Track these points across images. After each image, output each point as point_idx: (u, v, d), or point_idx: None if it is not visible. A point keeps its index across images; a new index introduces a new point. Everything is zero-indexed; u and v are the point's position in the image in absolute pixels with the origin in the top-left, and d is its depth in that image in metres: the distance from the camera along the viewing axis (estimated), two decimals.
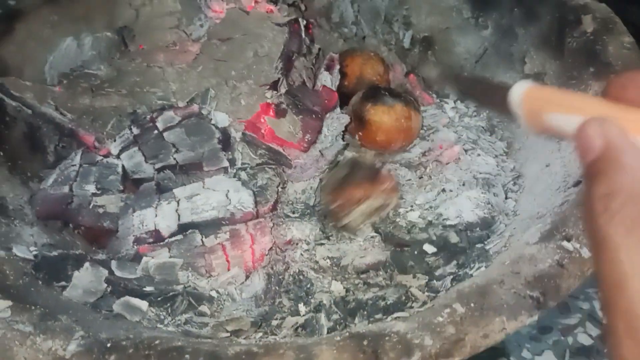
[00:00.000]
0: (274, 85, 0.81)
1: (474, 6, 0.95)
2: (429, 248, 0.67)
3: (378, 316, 0.58)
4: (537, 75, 0.83)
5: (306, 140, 0.80)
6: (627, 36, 0.75)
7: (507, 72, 0.88)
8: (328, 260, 0.69)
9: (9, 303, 0.56)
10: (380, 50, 1.01)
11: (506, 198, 0.73)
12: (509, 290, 0.51)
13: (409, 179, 0.79)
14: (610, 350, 0.24)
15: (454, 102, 0.94)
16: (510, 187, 0.75)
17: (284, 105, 0.80)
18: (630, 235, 0.23)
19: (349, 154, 0.82)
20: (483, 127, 0.87)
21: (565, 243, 0.55)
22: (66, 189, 0.76)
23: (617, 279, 0.23)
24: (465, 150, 0.81)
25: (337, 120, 0.82)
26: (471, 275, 0.60)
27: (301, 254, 0.71)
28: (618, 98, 0.28)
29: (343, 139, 0.83)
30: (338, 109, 0.84)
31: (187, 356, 0.49)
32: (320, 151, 0.81)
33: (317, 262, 0.69)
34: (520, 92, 0.31)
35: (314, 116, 0.82)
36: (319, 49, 0.95)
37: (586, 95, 0.27)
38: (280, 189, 0.78)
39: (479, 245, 0.65)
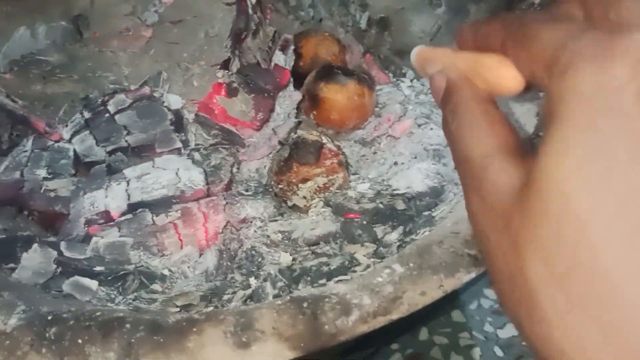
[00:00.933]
0: (225, 65, 0.81)
1: None
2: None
3: (322, 281, 0.58)
4: None
5: (259, 118, 0.80)
6: None
7: None
8: (279, 235, 0.69)
9: None
10: (337, 32, 1.01)
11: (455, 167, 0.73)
12: (448, 250, 0.52)
13: (363, 155, 0.79)
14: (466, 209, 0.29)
15: (411, 80, 0.95)
16: None
17: (235, 85, 0.80)
18: (463, 119, 0.30)
19: (301, 132, 0.82)
20: None
21: None
22: (17, 174, 0.75)
23: (463, 156, 0.29)
24: (419, 125, 0.81)
25: (289, 98, 0.82)
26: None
27: (254, 231, 0.72)
28: (458, 44, 0.34)
29: (296, 116, 0.83)
30: (291, 87, 0.83)
31: (127, 325, 0.49)
32: (273, 129, 0.81)
33: (268, 236, 0.69)
34: (415, 52, 0.38)
35: (265, 95, 0.82)
36: (275, 32, 0.95)
37: (443, 48, 0.34)
38: (234, 169, 0.78)
39: (426, 213, 0.65)
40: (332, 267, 0.59)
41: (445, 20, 0.93)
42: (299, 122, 0.83)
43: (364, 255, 0.61)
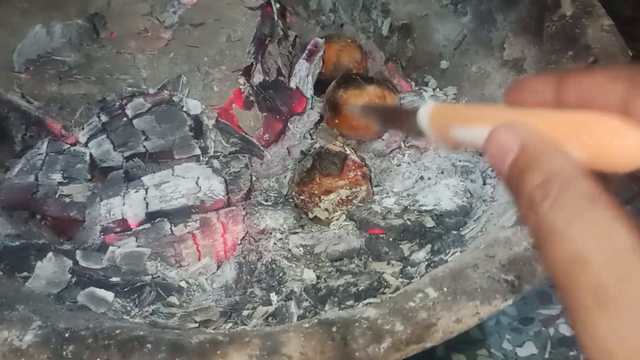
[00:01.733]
0: (247, 71, 0.79)
1: None
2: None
3: (349, 303, 0.56)
4: (516, 61, 0.81)
5: (264, 138, 0.78)
6: (606, 19, 0.73)
7: (486, 59, 0.87)
8: (301, 249, 0.67)
9: None
10: (359, 38, 0.99)
11: (484, 184, 0.71)
12: (483, 274, 0.49)
13: (386, 168, 0.77)
14: (580, 329, 0.22)
15: (433, 89, 0.93)
16: (489, 173, 0.73)
17: (252, 98, 0.78)
18: (578, 214, 0.22)
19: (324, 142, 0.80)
20: None
21: None
22: (32, 178, 0.73)
23: (574, 256, 0.22)
24: None
25: (306, 118, 0.80)
26: (446, 261, 0.58)
27: (274, 243, 0.70)
28: (516, 104, 0.28)
29: (312, 137, 0.81)
30: (309, 107, 0.82)
31: (148, 345, 0.47)
32: (287, 149, 0.79)
33: (290, 250, 0.67)
34: (427, 112, 0.30)
35: (277, 116, 0.80)
36: (296, 36, 0.93)
37: (488, 105, 0.27)
38: (253, 177, 0.76)
39: (454, 232, 0.63)
40: (360, 288, 0.57)
41: (470, 29, 0.91)
42: (314, 143, 0.81)
43: (392, 275, 0.58)
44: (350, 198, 0.70)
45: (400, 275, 0.59)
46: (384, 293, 0.56)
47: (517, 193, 0.25)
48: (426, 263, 0.60)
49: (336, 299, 0.56)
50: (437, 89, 0.93)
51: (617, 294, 0.21)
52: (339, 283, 0.58)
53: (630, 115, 0.22)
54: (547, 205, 0.23)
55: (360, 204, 0.70)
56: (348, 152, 0.72)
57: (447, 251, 0.60)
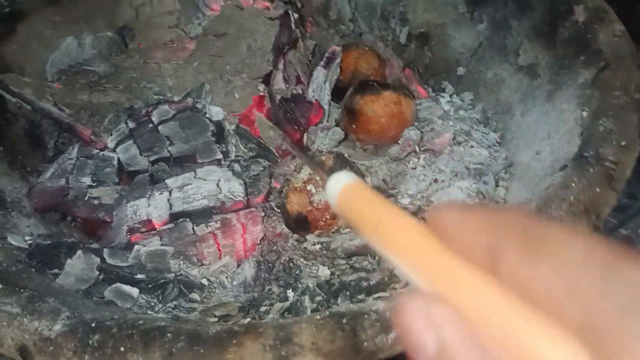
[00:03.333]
0: (267, 78, 0.82)
1: (469, 1, 0.95)
2: None
3: (360, 297, 0.58)
4: (530, 67, 0.83)
5: (282, 149, 0.81)
6: (618, 24, 0.74)
7: (501, 65, 0.89)
8: (318, 245, 0.69)
9: None
10: (377, 46, 1.02)
11: (497, 186, 0.73)
12: None
13: (402, 172, 0.79)
14: None
15: (450, 95, 0.94)
16: (502, 176, 0.75)
17: (272, 110, 0.81)
18: None
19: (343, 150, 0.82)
20: (477, 119, 0.87)
21: None
22: (63, 181, 0.77)
23: None
24: (459, 142, 0.80)
25: (330, 135, 0.82)
26: None
27: (292, 243, 0.72)
28: (434, 226, 0.23)
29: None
30: (333, 123, 0.84)
31: (169, 335, 0.50)
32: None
33: (306, 248, 0.69)
34: (337, 190, 0.27)
35: (295, 127, 0.83)
36: (315, 45, 0.96)
37: (403, 217, 0.24)
38: (272, 181, 0.79)
39: None
40: (371, 283, 0.59)
41: (486, 36, 0.93)
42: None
43: None
44: (333, 232, 0.72)
45: None
46: (394, 288, 0.58)
47: None
48: None
49: (348, 293, 0.58)
50: (454, 95, 0.95)
51: None
52: (351, 278, 0.60)
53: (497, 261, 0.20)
54: None
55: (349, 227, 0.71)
56: (308, 203, 0.71)
57: None
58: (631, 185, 0.91)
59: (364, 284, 0.59)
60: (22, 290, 0.57)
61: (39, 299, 0.56)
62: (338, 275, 0.62)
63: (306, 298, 0.60)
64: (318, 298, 0.59)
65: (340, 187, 0.27)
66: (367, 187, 0.26)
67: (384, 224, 0.24)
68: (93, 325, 0.52)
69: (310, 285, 0.61)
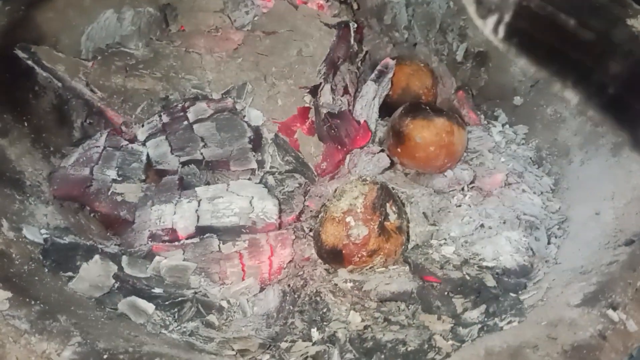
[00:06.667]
0: (314, 90, 0.77)
1: None
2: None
3: None
4: None
5: (322, 167, 0.76)
6: None
7: (564, 102, 0.82)
8: (349, 283, 0.64)
9: (9, 294, 0.53)
10: (431, 60, 0.96)
11: (548, 243, 0.67)
12: (543, 358, 0.46)
13: (444, 207, 0.74)
14: None
15: (502, 125, 0.89)
16: (555, 232, 0.69)
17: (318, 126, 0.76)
18: None
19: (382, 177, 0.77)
20: (531, 158, 0.81)
21: (610, 312, 0.50)
22: (86, 171, 0.73)
23: None
24: (509, 184, 0.75)
25: (376, 161, 0.76)
26: (501, 328, 0.55)
27: (321, 272, 0.67)
28: None
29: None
30: (378, 148, 0.78)
31: None
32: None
33: (336, 284, 0.64)
34: None
35: (339, 147, 0.78)
36: (366, 52, 0.90)
37: None
38: (306, 199, 0.74)
39: (513, 294, 0.60)
40: (409, 349, 0.54)
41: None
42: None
43: (442, 335, 0.56)
44: (367, 269, 0.67)
45: (451, 335, 0.56)
46: (434, 359, 0.53)
47: None
48: (479, 326, 0.56)
49: (383, 357, 0.54)
50: (507, 125, 0.89)
51: None
52: (387, 338, 0.56)
53: None
54: None
55: (384, 267, 0.66)
56: (345, 236, 0.65)
57: (503, 316, 0.56)
58: None
59: (401, 348, 0.54)
60: (33, 302, 0.53)
61: (50, 315, 0.52)
62: (371, 329, 0.58)
63: (335, 352, 0.55)
64: (348, 355, 0.55)
65: None
66: None
67: None
68: (105, 357, 0.48)
69: (341, 336, 0.57)
